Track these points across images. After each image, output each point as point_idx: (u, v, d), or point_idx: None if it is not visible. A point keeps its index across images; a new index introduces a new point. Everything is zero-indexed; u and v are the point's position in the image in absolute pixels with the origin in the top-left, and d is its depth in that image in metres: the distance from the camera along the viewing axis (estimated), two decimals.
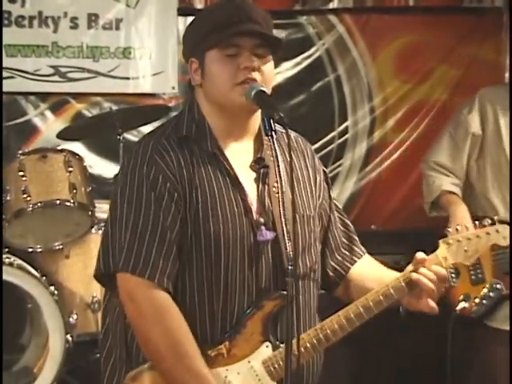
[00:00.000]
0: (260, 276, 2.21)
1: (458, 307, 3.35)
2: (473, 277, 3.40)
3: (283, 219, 2.16)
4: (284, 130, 2.14)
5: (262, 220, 2.23)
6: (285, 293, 2.15)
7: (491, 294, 3.38)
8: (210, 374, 2.16)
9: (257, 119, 2.28)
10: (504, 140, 3.52)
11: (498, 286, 3.38)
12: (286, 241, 2.15)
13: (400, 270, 2.38)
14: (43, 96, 4.89)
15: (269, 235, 2.22)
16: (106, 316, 2.38)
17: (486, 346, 3.47)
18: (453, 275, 3.33)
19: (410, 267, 2.30)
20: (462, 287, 3.40)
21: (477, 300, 3.39)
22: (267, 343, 2.22)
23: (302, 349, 2.18)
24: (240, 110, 2.23)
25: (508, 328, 3.41)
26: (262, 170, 2.26)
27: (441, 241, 2.38)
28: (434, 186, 3.60)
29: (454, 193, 3.57)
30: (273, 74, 2.26)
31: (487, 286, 3.39)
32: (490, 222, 2.58)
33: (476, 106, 3.57)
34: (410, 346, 4.25)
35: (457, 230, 2.67)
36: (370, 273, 2.41)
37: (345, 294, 2.44)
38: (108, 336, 2.34)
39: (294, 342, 2.04)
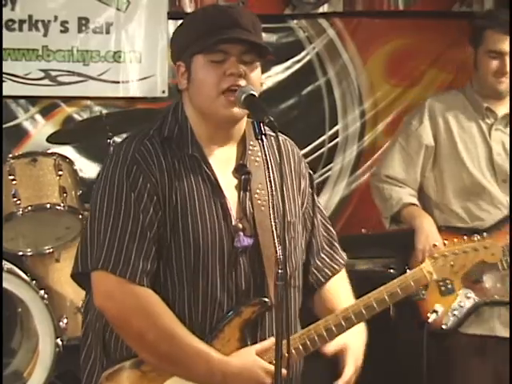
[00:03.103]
0: (239, 281, 2.21)
1: (430, 319, 3.27)
2: (442, 288, 3.34)
3: (271, 224, 2.11)
4: (274, 134, 2.14)
5: (240, 226, 2.22)
6: (265, 299, 2.18)
7: (462, 304, 3.34)
8: (211, 348, 2.17)
9: (241, 126, 2.28)
10: (460, 149, 3.46)
11: (469, 295, 3.34)
12: (276, 246, 2.09)
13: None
14: (33, 100, 4.90)
15: (246, 242, 2.22)
16: (85, 316, 2.36)
17: (461, 354, 3.42)
18: (422, 287, 3.25)
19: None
20: (432, 299, 3.33)
21: (448, 312, 3.33)
22: (246, 348, 2.20)
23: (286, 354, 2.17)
24: (223, 119, 2.22)
25: (481, 332, 3.38)
26: (243, 177, 2.26)
27: (427, 255, 2.42)
28: (392, 199, 3.50)
29: (414, 204, 3.50)
30: (260, 81, 2.24)
31: (457, 295, 3.34)
32: (478, 237, 2.60)
33: (426, 117, 3.51)
34: (385, 359, 4.13)
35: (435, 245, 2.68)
36: (340, 297, 2.42)
37: (317, 306, 2.43)
38: (87, 336, 2.32)
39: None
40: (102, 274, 2.17)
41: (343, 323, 2.27)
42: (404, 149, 3.53)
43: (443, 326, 3.33)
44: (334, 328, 2.26)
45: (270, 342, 2.16)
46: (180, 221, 2.18)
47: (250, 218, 2.24)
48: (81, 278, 2.26)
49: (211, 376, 2.16)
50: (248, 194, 2.25)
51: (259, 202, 2.24)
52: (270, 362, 2.14)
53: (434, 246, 2.73)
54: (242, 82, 2.17)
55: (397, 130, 3.70)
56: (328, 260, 2.45)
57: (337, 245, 2.48)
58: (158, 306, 2.16)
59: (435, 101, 3.56)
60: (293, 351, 2.19)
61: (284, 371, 2.09)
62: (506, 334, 3.37)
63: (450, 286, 3.33)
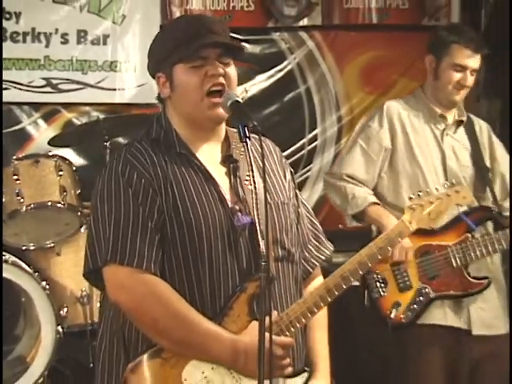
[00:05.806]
0: (240, 259, 2.26)
1: (392, 315, 3.35)
2: (400, 284, 3.39)
3: (258, 206, 2.25)
4: (256, 136, 2.22)
5: (237, 207, 2.29)
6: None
7: (420, 298, 3.38)
8: (222, 329, 2.22)
9: (222, 127, 2.38)
10: (415, 152, 3.52)
11: (426, 290, 3.38)
12: (262, 227, 2.23)
13: None
14: (36, 106, 5.02)
15: (245, 219, 2.28)
16: (102, 313, 2.40)
17: (422, 344, 3.46)
18: (382, 285, 3.39)
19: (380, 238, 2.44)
20: (391, 296, 3.39)
21: (406, 307, 3.38)
22: (254, 322, 2.24)
23: (288, 323, 2.29)
24: (208, 120, 2.31)
25: (440, 323, 3.43)
26: (231, 165, 2.34)
27: (405, 207, 2.51)
28: (357, 198, 3.51)
29: (377, 203, 3.51)
30: (236, 76, 2.32)
31: (415, 291, 3.39)
32: (448, 184, 2.72)
33: (385, 120, 3.55)
34: (349, 355, 4.26)
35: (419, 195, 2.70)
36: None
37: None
38: (104, 335, 2.35)
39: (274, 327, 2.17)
40: (112, 267, 2.21)
41: (342, 283, 2.34)
42: (365, 150, 3.55)
43: (403, 320, 3.38)
44: (334, 289, 2.33)
45: (275, 315, 2.25)
46: (180, 207, 2.23)
47: (244, 201, 2.31)
48: (93, 275, 2.29)
49: (225, 355, 2.21)
50: (238, 180, 2.33)
51: (250, 187, 2.31)
52: (277, 334, 2.24)
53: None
54: (223, 80, 2.27)
55: (354, 131, 3.75)
56: (315, 251, 2.52)
57: (322, 236, 2.55)
58: (168, 292, 2.20)
59: (393, 105, 3.60)
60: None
61: (291, 340, 2.27)
62: (456, 324, 3.44)
63: (408, 283, 3.39)
